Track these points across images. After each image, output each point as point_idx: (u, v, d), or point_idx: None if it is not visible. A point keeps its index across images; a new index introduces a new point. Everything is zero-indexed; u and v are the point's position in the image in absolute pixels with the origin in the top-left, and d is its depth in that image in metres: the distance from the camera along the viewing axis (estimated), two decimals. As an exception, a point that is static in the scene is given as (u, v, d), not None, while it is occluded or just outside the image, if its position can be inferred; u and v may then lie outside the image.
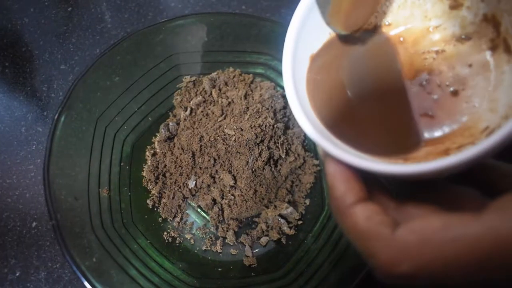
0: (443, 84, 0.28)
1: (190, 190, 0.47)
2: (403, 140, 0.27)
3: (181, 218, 0.48)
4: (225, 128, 0.47)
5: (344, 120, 0.29)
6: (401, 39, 0.30)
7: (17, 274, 0.47)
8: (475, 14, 0.27)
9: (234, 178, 0.46)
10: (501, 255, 0.18)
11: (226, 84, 0.50)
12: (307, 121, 0.26)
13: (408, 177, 0.22)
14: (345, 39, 0.31)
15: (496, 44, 0.25)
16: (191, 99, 0.50)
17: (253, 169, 0.46)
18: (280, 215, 0.47)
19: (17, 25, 0.63)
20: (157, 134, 0.50)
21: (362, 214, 0.22)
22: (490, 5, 0.26)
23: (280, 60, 0.29)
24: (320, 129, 0.27)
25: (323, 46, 0.31)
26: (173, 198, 0.47)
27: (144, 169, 0.49)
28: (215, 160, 0.47)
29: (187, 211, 0.48)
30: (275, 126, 0.47)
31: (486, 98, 0.25)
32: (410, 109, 0.28)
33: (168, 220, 0.48)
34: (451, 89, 0.27)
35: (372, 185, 0.25)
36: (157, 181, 0.48)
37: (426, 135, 0.27)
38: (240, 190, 0.46)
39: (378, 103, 0.29)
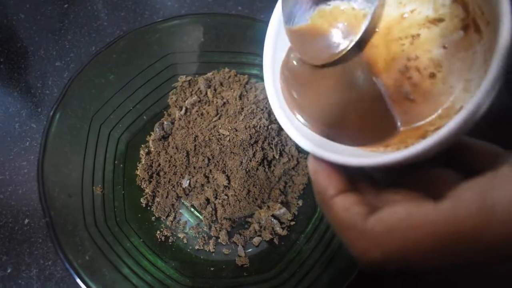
0: (421, 68, 0.28)
1: (183, 189, 0.47)
2: (382, 127, 0.29)
3: (174, 217, 0.48)
4: (220, 128, 0.47)
5: (322, 114, 0.30)
6: (376, 29, 0.31)
7: (9, 271, 0.47)
8: None
9: (228, 178, 0.46)
10: (455, 242, 0.19)
11: (221, 84, 0.51)
12: (284, 118, 0.29)
13: (383, 167, 0.23)
14: None
15: (467, 24, 0.26)
16: (186, 99, 0.50)
17: (247, 170, 0.46)
18: (273, 216, 0.47)
19: (13, 20, 0.62)
20: (152, 133, 0.50)
21: (341, 205, 0.24)
22: None
23: None
24: (296, 125, 0.29)
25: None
26: (166, 197, 0.48)
27: (138, 167, 0.49)
28: (209, 160, 0.47)
29: (180, 210, 0.48)
30: (269, 127, 0.47)
31: (461, 79, 0.26)
32: (384, 97, 0.29)
33: (161, 219, 0.48)
34: (428, 71, 0.28)
35: (354, 174, 0.26)
36: (151, 180, 0.48)
37: (406, 118, 0.28)
38: (234, 190, 0.46)
39: (352, 95, 0.30)
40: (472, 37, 0.25)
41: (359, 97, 0.30)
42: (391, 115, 0.29)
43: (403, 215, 0.21)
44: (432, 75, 0.28)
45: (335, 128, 0.29)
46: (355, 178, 0.26)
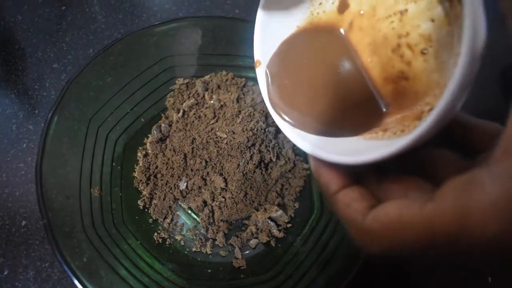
0: (412, 45, 0.28)
1: (181, 191, 0.48)
2: (369, 113, 0.29)
3: (172, 219, 0.48)
4: (217, 131, 0.47)
5: (312, 111, 0.30)
6: (361, 12, 0.31)
7: (5, 273, 0.47)
8: None
9: (225, 181, 0.47)
10: (435, 244, 0.20)
11: (218, 87, 0.51)
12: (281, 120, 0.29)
13: (380, 161, 0.23)
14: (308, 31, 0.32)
15: None
16: (184, 101, 0.51)
17: (244, 172, 0.46)
18: (270, 218, 0.47)
19: (10, 22, 0.62)
20: (149, 135, 0.51)
21: (343, 201, 0.25)
22: None
23: None
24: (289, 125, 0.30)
25: (283, 43, 0.33)
26: (164, 199, 0.48)
27: (135, 169, 0.49)
28: (206, 162, 0.47)
29: (177, 213, 0.49)
30: (266, 130, 0.48)
31: (452, 53, 0.25)
32: (367, 81, 0.30)
33: (159, 221, 0.48)
34: (420, 48, 0.28)
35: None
36: (148, 182, 0.48)
37: (403, 99, 0.28)
38: (231, 192, 0.46)
39: (339, 85, 0.30)
40: (457, 8, 0.25)
41: (346, 86, 0.30)
42: (374, 98, 0.29)
43: (394, 216, 0.22)
44: (424, 51, 0.28)
45: (328, 122, 0.30)
46: (358, 169, 0.27)
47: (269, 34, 0.32)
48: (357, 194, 0.25)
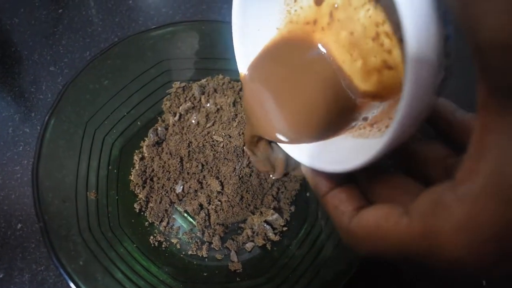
0: (390, 33, 0.28)
1: (177, 195, 0.48)
2: (344, 108, 0.30)
3: (168, 223, 0.48)
4: (214, 135, 0.47)
5: (295, 120, 0.31)
6: (336, 5, 0.30)
7: (1, 276, 0.46)
8: None
9: (221, 184, 0.47)
10: (409, 255, 0.20)
11: (215, 90, 0.51)
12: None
13: (368, 165, 0.23)
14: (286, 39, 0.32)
15: None
16: (180, 105, 0.51)
17: (240, 176, 0.46)
18: (266, 221, 0.47)
19: (7, 25, 0.62)
20: (146, 139, 0.51)
21: (331, 203, 0.26)
22: None
23: None
24: None
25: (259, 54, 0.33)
26: (160, 202, 0.48)
27: (132, 173, 0.49)
28: (203, 166, 0.47)
29: (173, 216, 0.49)
30: (262, 133, 0.48)
31: None
32: (338, 74, 0.30)
33: (155, 224, 0.48)
34: (398, 35, 0.27)
35: None
36: (145, 185, 0.48)
37: (388, 88, 0.28)
38: (227, 196, 0.47)
39: (315, 85, 0.31)
40: None
41: (321, 89, 0.31)
42: (345, 91, 0.30)
43: (373, 225, 0.22)
44: (401, 39, 0.27)
45: (311, 127, 0.30)
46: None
47: (250, 41, 0.31)
48: (345, 196, 0.26)
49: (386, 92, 0.29)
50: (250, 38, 0.31)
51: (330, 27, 0.31)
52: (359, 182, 0.27)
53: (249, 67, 0.32)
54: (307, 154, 0.27)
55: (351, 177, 0.27)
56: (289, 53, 0.32)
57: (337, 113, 0.30)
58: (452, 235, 0.18)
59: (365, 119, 0.28)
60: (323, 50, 0.31)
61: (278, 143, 0.30)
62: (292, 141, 0.30)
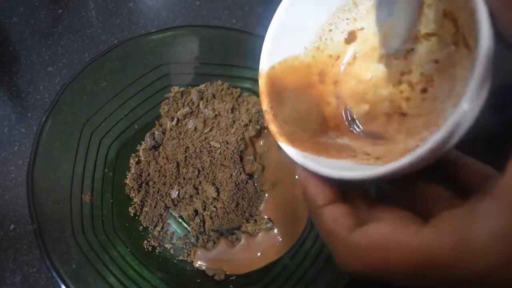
0: (413, 83, 0.29)
1: (172, 200, 0.48)
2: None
3: (162, 228, 0.48)
4: (211, 141, 0.47)
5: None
6: (368, 45, 0.32)
7: (-8, 277, 0.46)
8: (435, 10, 0.28)
9: (217, 190, 0.47)
10: (429, 270, 0.20)
11: (213, 96, 0.51)
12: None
13: (370, 180, 0.23)
14: None
15: (457, 39, 0.26)
16: (178, 110, 0.51)
17: (237, 182, 0.46)
18: (260, 230, 0.47)
19: (5, 24, 0.62)
20: (143, 142, 0.50)
21: (330, 215, 0.25)
22: (445, 1, 0.27)
23: None
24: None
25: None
26: (155, 207, 0.48)
27: (127, 176, 0.49)
28: (199, 171, 0.47)
29: (168, 221, 0.48)
30: (260, 141, 0.48)
31: (451, 94, 0.26)
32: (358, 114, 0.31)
33: (149, 229, 0.48)
34: (420, 86, 0.29)
35: (348, 185, 0.27)
36: (140, 189, 0.48)
37: (402, 134, 0.29)
38: (223, 202, 0.46)
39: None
40: (463, 52, 0.26)
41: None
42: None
43: (388, 234, 0.21)
44: (424, 90, 0.28)
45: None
46: (348, 189, 0.27)
47: (277, 47, 0.32)
48: (346, 210, 0.25)
49: (396, 135, 0.29)
50: (280, 41, 0.31)
51: (350, 66, 0.32)
52: (358, 206, 0.26)
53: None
54: (313, 159, 0.27)
55: (346, 200, 0.26)
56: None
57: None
58: (489, 242, 0.18)
59: (367, 154, 0.29)
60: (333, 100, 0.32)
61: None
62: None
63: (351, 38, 0.32)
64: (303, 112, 0.31)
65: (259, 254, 0.46)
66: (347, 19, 0.32)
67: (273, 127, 0.29)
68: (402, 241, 0.21)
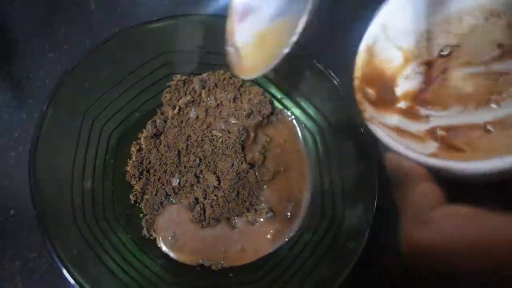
0: (501, 104, 0.31)
1: (173, 188, 0.48)
2: None
3: (163, 215, 0.48)
4: (213, 130, 0.47)
5: None
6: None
7: (-9, 262, 0.46)
8: None
9: (218, 179, 0.47)
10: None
11: (216, 85, 0.51)
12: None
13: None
14: None
15: None
16: (180, 98, 0.51)
17: (238, 172, 0.47)
18: (260, 219, 0.48)
19: (5, 10, 0.62)
20: (144, 130, 0.50)
21: (421, 190, 0.27)
22: None
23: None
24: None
25: None
26: (155, 194, 0.48)
27: (128, 164, 0.49)
28: (200, 160, 0.47)
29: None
30: (261, 130, 0.48)
31: None
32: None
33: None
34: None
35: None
36: (141, 177, 0.48)
37: (481, 151, 0.30)
38: (223, 191, 0.47)
39: None
40: None
41: None
42: None
43: (469, 214, 0.23)
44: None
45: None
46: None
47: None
48: (437, 190, 0.27)
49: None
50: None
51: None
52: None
53: None
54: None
55: None
56: None
57: None
58: None
59: None
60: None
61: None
62: None
63: (445, 51, 0.33)
64: None
65: (257, 243, 0.47)
66: (447, 32, 0.33)
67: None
68: (488, 219, 0.22)
